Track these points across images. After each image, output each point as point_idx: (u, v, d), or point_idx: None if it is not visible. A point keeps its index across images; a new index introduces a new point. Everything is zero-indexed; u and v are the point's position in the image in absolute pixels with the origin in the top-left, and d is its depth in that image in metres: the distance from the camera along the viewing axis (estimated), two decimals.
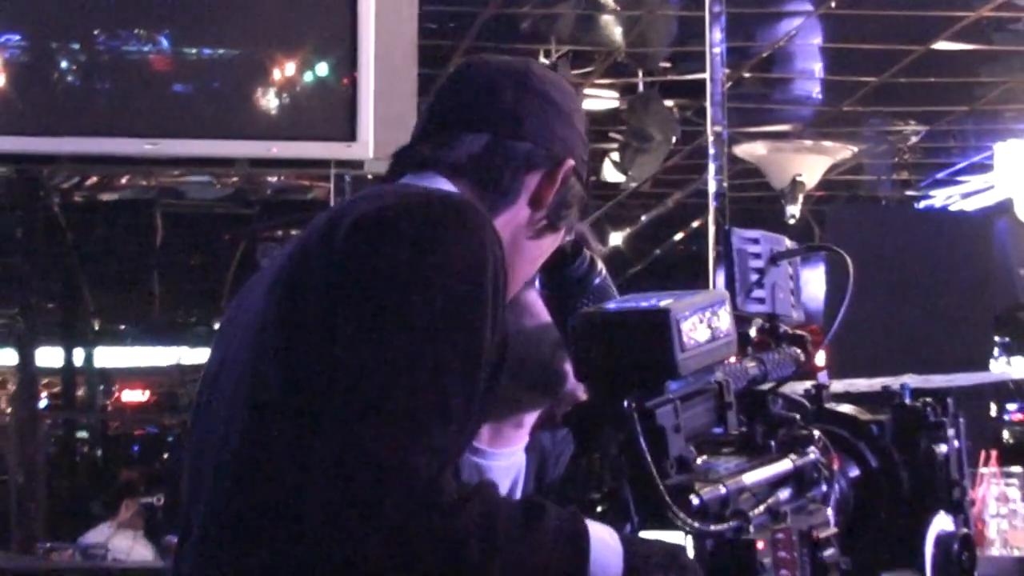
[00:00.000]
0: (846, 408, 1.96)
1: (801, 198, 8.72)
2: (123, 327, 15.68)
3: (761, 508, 1.67)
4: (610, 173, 8.36)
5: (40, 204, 8.82)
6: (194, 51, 4.59)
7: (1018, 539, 4.94)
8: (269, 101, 4.56)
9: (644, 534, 1.62)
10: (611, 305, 1.78)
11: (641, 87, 8.12)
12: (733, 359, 1.80)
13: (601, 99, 8.43)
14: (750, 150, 8.72)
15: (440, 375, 1.57)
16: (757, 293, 1.89)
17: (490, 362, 1.65)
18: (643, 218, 11.01)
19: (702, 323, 1.69)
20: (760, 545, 1.62)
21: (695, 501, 1.60)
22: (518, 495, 2.10)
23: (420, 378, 1.56)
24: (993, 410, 10.81)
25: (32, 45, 4.53)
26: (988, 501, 4.93)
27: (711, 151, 5.49)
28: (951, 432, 1.93)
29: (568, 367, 2.00)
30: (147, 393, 16.57)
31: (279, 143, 4.57)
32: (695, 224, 10.42)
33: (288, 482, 1.57)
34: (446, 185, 1.78)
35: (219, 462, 1.69)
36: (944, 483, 1.91)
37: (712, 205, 5.44)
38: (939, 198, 11.01)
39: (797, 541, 1.67)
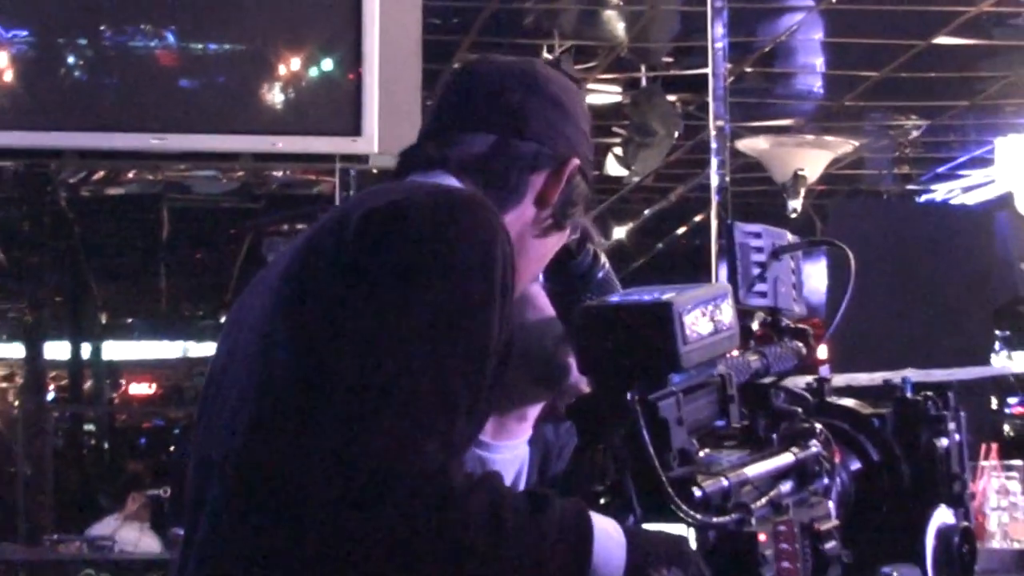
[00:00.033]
0: (847, 402, 1.96)
1: (803, 192, 8.71)
2: (130, 320, 15.65)
3: (763, 501, 1.67)
4: (613, 167, 8.32)
5: (47, 199, 8.82)
6: (200, 46, 4.60)
7: (1018, 532, 4.91)
8: (275, 96, 4.55)
9: (647, 526, 1.61)
10: (614, 298, 1.78)
11: (644, 82, 8.09)
12: (735, 352, 1.80)
13: (604, 94, 8.38)
14: (752, 144, 8.72)
15: (448, 367, 1.58)
16: (759, 287, 1.89)
17: (497, 356, 1.65)
18: (646, 212, 10.95)
19: (705, 316, 1.69)
20: (762, 537, 1.62)
21: (697, 493, 1.60)
22: (521, 488, 2.08)
23: (428, 370, 1.56)
24: (994, 403, 10.80)
25: (39, 41, 4.53)
26: (988, 494, 4.90)
27: (713, 145, 5.50)
28: (952, 426, 1.93)
29: (571, 360, 1.96)
30: (154, 386, 16.51)
31: (284, 138, 4.57)
32: (697, 218, 10.36)
33: (296, 471, 1.57)
34: (454, 183, 1.78)
35: (227, 454, 1.69)
36: (945, 476, 1.91)
37: (714, 199, 5.45)
38: (940, 192, 10.97)
39: (799, 533, 1.67)
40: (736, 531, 1.62)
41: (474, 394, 1.60)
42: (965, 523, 1.91)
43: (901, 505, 1.90)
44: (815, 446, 1.79)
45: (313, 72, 4.57)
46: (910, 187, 10.73)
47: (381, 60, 4.54)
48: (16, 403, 11.27)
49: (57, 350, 12.67)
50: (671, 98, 8.10)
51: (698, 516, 1.59)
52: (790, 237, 1.96)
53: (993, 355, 9.57)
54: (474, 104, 1.84)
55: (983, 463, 4.92)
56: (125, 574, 6.30)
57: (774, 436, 1.79)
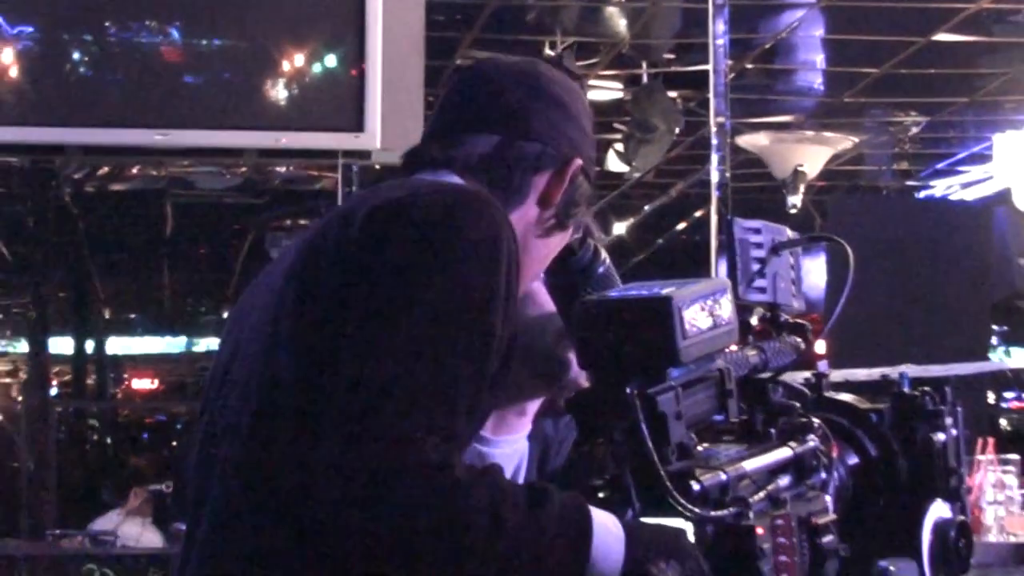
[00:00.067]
0: (845, 397, 1.96)
1: (802, 188, 8.70)
2: (133, 316, 15.62)
3: (761, 495, 1.67)
4: (614, 163, 8.32)
5: (52, 194, 8.81)
6: (204, 43, 4.61)
7: (1015, 525, 4.91)
8: (278, 92, 4.57)
9: (646, 520, 1.62)
10: (614, 293, 1.78)
11: (645, 78, 8.10)
12: (734, 347, 1.80)
13: (605, 90, 8.38)
14: (752, 140, 8.71)
15: (451, 363, 1.58)
16: (758, 282, 1.89)
17: (500, 352, 1.66)
18: (646, 208, 10.89)
19: (704, 311, 1.69)
20: (760, 531, 1.62)
21: (696, 487, 1.61)
22: (520, 482, 2.04)
23: (431, 365, 1.57)
24: (991, 398, 10.81)
25: (44, 37, 4.54)
26: (985, 488, 4.89)
27: (714, 141, 5.52)
28: (949, 421, 1.93)
29: (571, 355, 1.97)
30: (156, 381, 16.47)
31: (288, 134, 4.59)
32: (698, 214, 10.27)
33: (298, 468, 1.57)
34: (459, 182, 1.79)
35: (230, 451, 1.69)
36: (942, 471, 1.92)
37: (714, 195, 5.47)
38: (939, 188, 10.95)
39: (796, 527, 1.67)
40: (734, 525, 1.62)
41: (476, 390, 1.61)
42: (962, 517, 1.91)
43: (898, 499, 1.90)
44: (813, 441, 1.80)
45: (316, 68, 4.58)
46: (909, 183, 10.72)
47: (384, 56, 4.55)
48: (19, 398, 11.26)
49: (60, 345, 12.65)
50: (672, 94, 8.10)
51: (696, 510, 1.59)
52: (789, 233, 1.96)
53: (992, 352, 9.61)
54: (478, 106, 1.85)
55: (980, 457, 4.91)
56: (127, 569, 6.28)
57: (772, 431, 1.80)
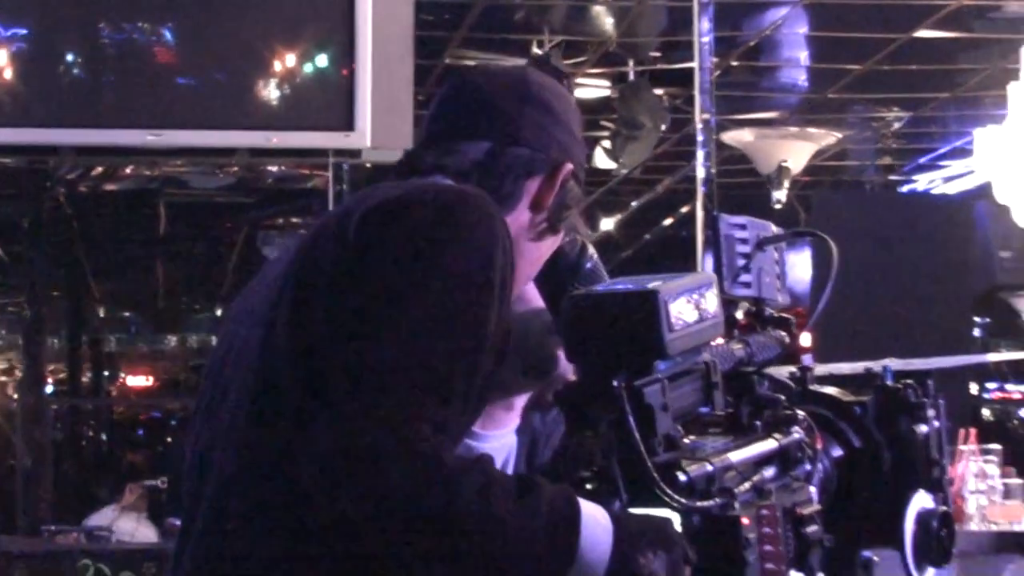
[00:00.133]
0: (830, 390, 1.97)
1: (787, 183, 8.69)
2: (128, 314, 15.59)
3: (746, 485, 1.68)
4: (601, 160, 8.32)
5: (46, 194, 8.80)
6: (196, 44, 4.64)
7: (996, 514, 4.96)
8: (269, 92, 4.61)
9: (633, 510, 1.62)
10: (601, 287, 1.80)
11: (632, 76, 8.10)
12: (720, 341, 1.81)
13: (593, 88, 8.38)
14: (737, 137, 8.69)
15: (444, 355, 1.60)
16: (744, 277, 1.91)
17: (493, 350, 1.68)
18: (633, 204, 10.86)
19: (690, 304, 1.70)
20: (745, 521, 1.63)
21: (682, 478, 1.62)
22: None
23: (424, 354, 1.58)
24: (974, 389, 10.85)
25: (38, 38, 4.58)
26: (967, 478, 4.93)
27: (699, 138, 5.56)
28: (931, 413, 1.94)
29: (559, 351, 1.96)
30: (151, 378, 16.45)
31: (279, 133, 4.64)
32: (684, 209, 10.21)
33: (292, 460, 1.58)
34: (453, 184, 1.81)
35: (228, 445, 1.71)
36: (924, 462, 1.93)
37: (700, 191, 5.52)
38: (922, 182, 10.96)
39: (781, 517, 1.68)
40: (720, 515, 1.63)
41: (469, 383, 1.63)
42: (944, 507, 1.92)
43: (882, 490, 1.92)
44: (798, 433, 1.81)
45: (307, 68, 4.62)
46: (892, 178, 10.70)
47: (374, 56, 4.59)
48: (15, 396, 11.24)
49: (56, 343, 12.68)
50: (658, 92, 8.09)
51: (683, 500, 1.60)
52: (774, 228, 1.98)
53: (977, 342, 9.66)
54: (469, 113, 1.87)
55: (962, 447, 4.96)
56: (122, 564, 6.30)
57: (758, 423, 1.81)
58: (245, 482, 1.67)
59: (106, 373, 15.01)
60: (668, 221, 11.37)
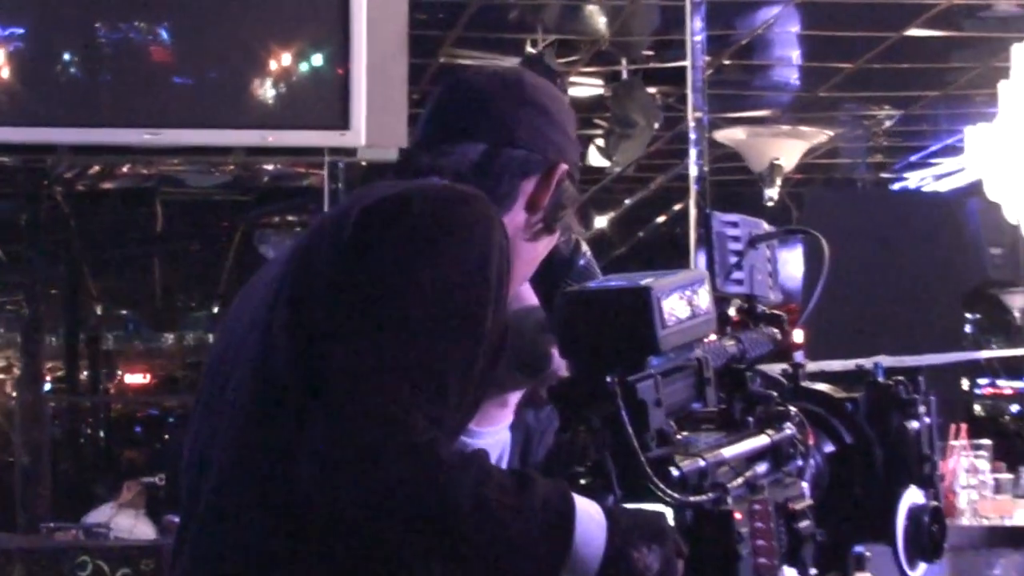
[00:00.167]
0: (821, 386, 1.97)
1: (779, 181, 8.70)
2: (125, 312, 15.55)
3: (739, 481, 1.68)
4: (595, 158, 8.32)
5: (44, 193, 8.81)
6: (193, 43, 4.66)
7: (987, 509, 4.99)
8: (265, 91, 4.63)
9: (626, 505, 1.62)
10: (594, 284, 1.79)
11: (625, 75, 8.10)
12: (713, 337, 1.82)
13: (586, 87, 8.40)
14: (730, 135, 8.71)
15: (441, 348, 1.60)
16: (736, 275, 1.91)
17: (490, 347, 1.68)
18: (627, 202, 10.88)
19: (682, 300, 1.70)
20: (738, 516, 1.63)
21: (675, 473, 1.62)
22: None
23: (421, 349, 1.59)
24: (965, 384, 10.86)
25: (35, 37, 4.59)
26: (958, 473, 4.96)
27: (692, 136, 5.59)
28: (922, 409, 1.94)
29: (552, 348, 1.97)
30: (148, 376, 16.39)
31: (275, 132, 4.65)
32: (677, 207, 10.33)
33: (289, 450, 1.59)
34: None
35: (226, 441, 1.71)
36: (915, 458, 1.93)
37: (693, 188, 5.53)
38: (913, 180, 10.96)
39: (773, 512, 1.69)
40: (713, 510, 1.63)
41: (465, 378, 1.63)
42: (935, 503, 1.92)
43: (873, 486, 1.92)
44: (790, 429, 1.81)
45: (303, 68, 4.64)
46: (884, 175, 10.73)
47: (368, 55, 4.61)
48: (14, 394, 11.23)
49: (54, 341, 12.67)
50: (651, 90, 8.10)
51: (676, 495, 1.60)
52: (766, 226, 1.98)
53: (976, 343, 9.66)
54: (465, 115, 1.88)
55: (953, 443, 4.97)
56: (120, 560, 6.31)
57: (750, 419, 1.81)
58: (243, 479, 1.68)
59: (104, 371, 14.97)
60: (661, 219, 11.38)
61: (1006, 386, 12.93)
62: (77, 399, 13.40)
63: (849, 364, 4.60)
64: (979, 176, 6.26)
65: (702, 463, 1.66)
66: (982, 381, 12.61)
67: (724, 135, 8.71)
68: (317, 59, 4.67)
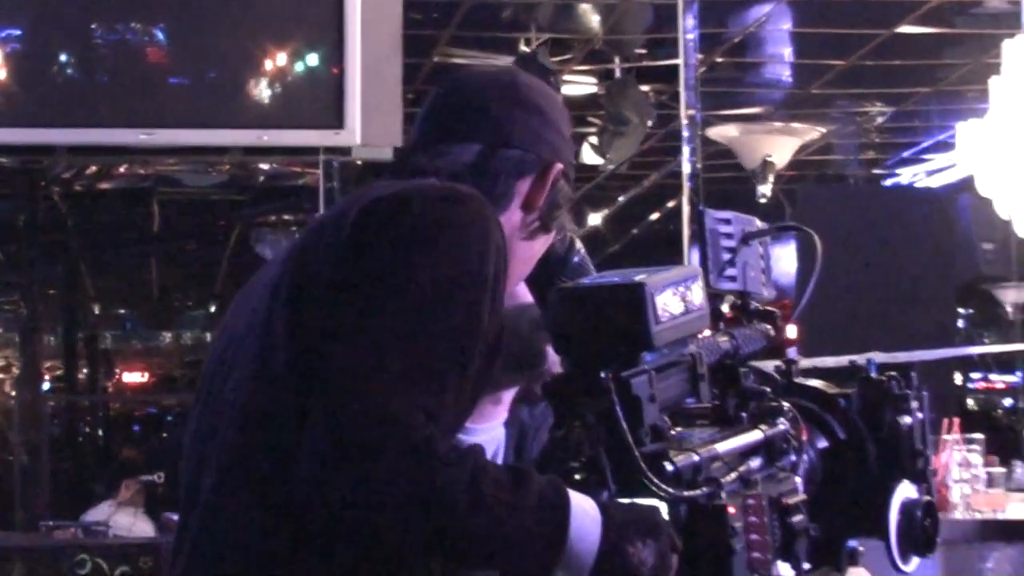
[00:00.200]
0: (814, 382, 1.98)
1: (772, 178, 8.72)
2: (123, 311, 15.55)
3: (733, 475, 1.69)
4: (589, 156, 8.33)
5: (41, 193, 8.79)
6: (188, 43, 4.68)
7: (980, 503, 4.97)
8: (261, 91, 4.65)
9: (621, 500, 1.63)
10: (588, 280, 1.80)
11: (618, 73, 8.11)
12: (706, 333, 1.82)
13: (580, 85, 8.42)
14: (722, 132, 8.73)
15: (438, 346, 1.62)
16: (729, 271, 1.92)
17: (487, 345, 1.69)
18: (620, 199, 10.90)
19: (676, 296, 1.71)
20: (732, 510, 1.64)
21: (669, 468, 1.63)
22: None
23: (418, 346, 1.60)
24: (958, 379, 10.88)
25: (32, 38, 4.61)
26: (951, 467, 4.93)
27: (685, 134, 5.63)
28: (915, 404, 1.95)
29: (547, 345, 1.98)
30: (146, 375, 16.36)
31: (270, 131, 4.68)
32: (670, 204, 10.32)
33: (287, 447, 1.60)
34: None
35: (225, 440, 1.72)
36: (908, 453, 1.93)
37: (686, 185, 5.57)
38: (905, 176, 10.97)
39: (767, 507, 1.69)
40: (707, 504, 1.64)
41: (461, 376, 1.64)
42: (928, 497, 1.93)
43: (866, 481, 1.92)
44: (783, 424, 1.83)
45: (298, 67, 4.67)
46: (876, 172, 10.75)
47: (363, 55, 4.64)
48: (13, 393, 11.23)
49: (52, 341, 12.67)
50: (644, 88, 8.11)
51: (670, 490, 1.61)
52: (759, 223, 1.99)
53: (968, 337, 9.67)
54: (460, 116, 1.89)
55: (945, 437, 4.96)
56: (119, 558, 6.31)
57: (744, 415, 1.82)
58: (243, 478, 1.69)
59: (102, 370, 14.95)
60: (655, 216, 11.40)
61: (998, 380, 12.95)
62: (75, 398, 13.36)
63: (842, 360, 4.59)
64: (971, 172, 6.28)
65: (696, 458, 1.67)
66: (975, 375, 12.63)
67: (717, 132, 8.73)
68: (312, 59, 4.69)
